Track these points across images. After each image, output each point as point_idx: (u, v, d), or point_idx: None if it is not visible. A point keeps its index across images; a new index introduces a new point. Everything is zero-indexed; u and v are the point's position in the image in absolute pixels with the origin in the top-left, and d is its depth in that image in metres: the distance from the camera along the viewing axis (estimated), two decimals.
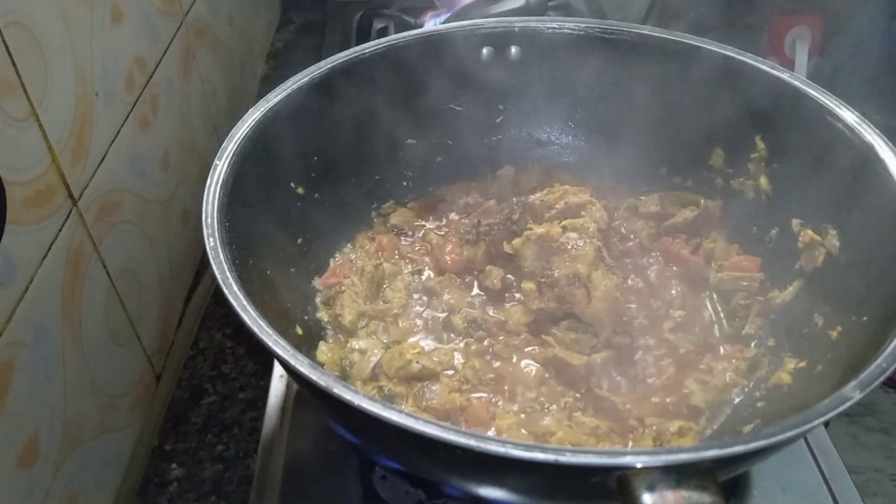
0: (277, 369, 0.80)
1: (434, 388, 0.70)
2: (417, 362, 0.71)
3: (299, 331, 0.73)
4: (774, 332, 0.74)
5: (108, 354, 0.73)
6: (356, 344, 0.75)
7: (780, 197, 0.79)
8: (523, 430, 0.68)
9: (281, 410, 0.75)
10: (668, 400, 0.70)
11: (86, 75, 0.71)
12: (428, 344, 0.76)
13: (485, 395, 0.71)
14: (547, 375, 0.72)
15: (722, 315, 0.78)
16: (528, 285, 0.77)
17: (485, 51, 0.90)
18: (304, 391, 0.64)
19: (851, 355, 0.58)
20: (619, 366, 0.73)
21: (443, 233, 0.88)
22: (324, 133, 0.81)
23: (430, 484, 0.66)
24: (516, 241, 0.80)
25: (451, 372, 0.73)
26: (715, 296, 0.80)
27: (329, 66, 0.80)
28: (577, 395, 0.70)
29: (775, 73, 0.76)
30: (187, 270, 0.99)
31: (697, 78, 0.81)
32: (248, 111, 0.73)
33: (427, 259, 0.86)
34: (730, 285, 0.79)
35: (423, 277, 0.83)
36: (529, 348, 0.75)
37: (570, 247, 0.75)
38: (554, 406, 0.69)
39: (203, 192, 0.63)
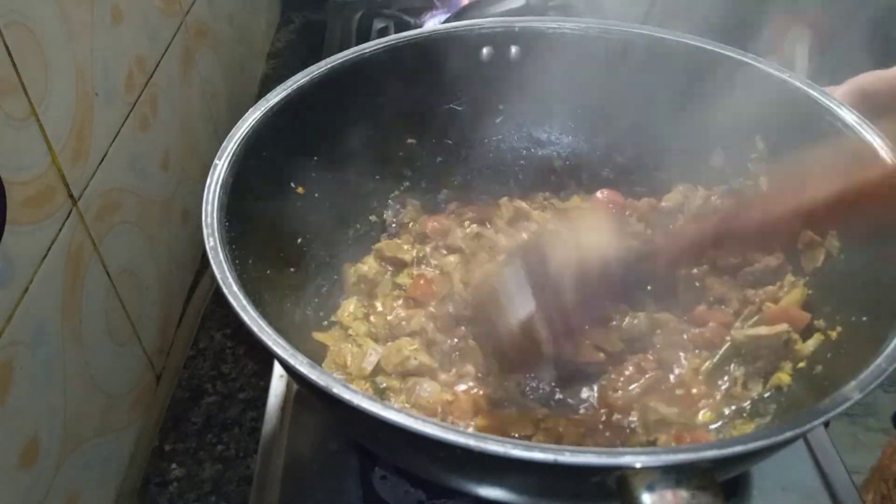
0: (277, 369, 0.79)
1: (426, 385, 0.70)
2: (415, 358, 0.71)
3: None
4: None
5: (108, 354, 0.73)
6: (356, 343, 0.75)
7: None
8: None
9: (281, 410, 0.75)
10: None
11: (86, 75, 0.71)
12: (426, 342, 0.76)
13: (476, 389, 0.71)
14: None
15: None
16: None
17: (485, 51, 0.90)
18: (304, 391, 0.64)
19: (851, 355, 0.58)
20: (617, 367, 0.73)
21: None
22: (323, 133, 0.81)
23: (430, 484, 0.66)
24: None
25: (449, 371, 0.73)
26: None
27: (329, 66, 0.80)
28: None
29: (775, 73, 0.76)
30: (187, 270, 0.99)
31: (697, 78, 0.81)
32: (248, 111, 0.73)
33: None
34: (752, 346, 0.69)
35: None
36: None
37: None
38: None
39: (203, 192, 0.63)
